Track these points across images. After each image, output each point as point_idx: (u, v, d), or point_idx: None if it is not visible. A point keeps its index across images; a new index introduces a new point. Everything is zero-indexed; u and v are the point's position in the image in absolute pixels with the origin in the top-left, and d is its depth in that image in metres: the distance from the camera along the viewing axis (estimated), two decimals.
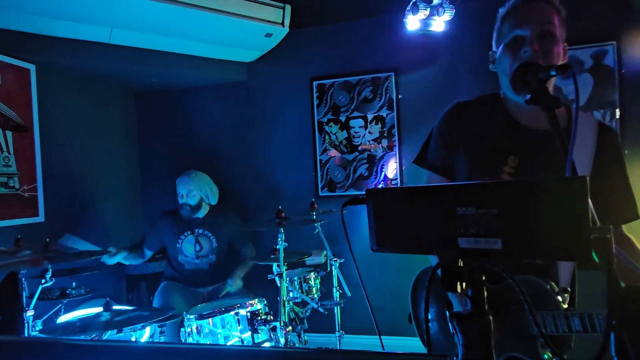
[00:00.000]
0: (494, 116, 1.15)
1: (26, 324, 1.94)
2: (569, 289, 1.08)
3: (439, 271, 0.62)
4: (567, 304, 1.06)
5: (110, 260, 2.72)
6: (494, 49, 1.16)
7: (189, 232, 2.92)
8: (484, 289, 0.62)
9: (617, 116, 2.88)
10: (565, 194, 0.52)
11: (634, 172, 2.84)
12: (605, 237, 0.53)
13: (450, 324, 0.64)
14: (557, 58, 1.04)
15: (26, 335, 1.89)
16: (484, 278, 0.63)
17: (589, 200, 0.56)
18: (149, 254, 2.97)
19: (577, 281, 1.13)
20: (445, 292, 1.09)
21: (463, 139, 1.17)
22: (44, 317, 2.28)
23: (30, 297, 2.02)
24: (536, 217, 0.55)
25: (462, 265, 0.62)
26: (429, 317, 1.23)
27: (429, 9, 2.69)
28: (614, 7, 2.86)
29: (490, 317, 0.62)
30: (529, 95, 0.87)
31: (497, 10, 1.15)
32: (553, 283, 1.01)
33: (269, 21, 2.94)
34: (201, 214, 2.95)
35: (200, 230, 2.93)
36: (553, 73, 0.85)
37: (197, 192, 2.90)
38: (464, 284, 0.63)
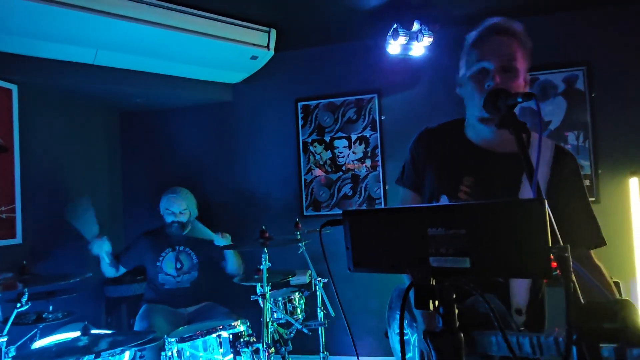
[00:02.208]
0: (455, 140, 1.26)
1: None
2: (522, 309, 1.08)
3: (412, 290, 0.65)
4: (523, 325, 1.06)
5: (97, 247, 2.70)
6: (461, 73, 1.23)
7: (169, 249, 2.89)
8: (455, 306, 0.65)
9: (590, 137, 3.00)
10: (526, 214, 0.56)
11: (606, 190, 2.97)
12: (563, 255, 0.56)
13: (424, 341, 0.66)
14: (517, 91, 1.09)
15: None
16: (454, 296, 0.66)
17: (552, 220, 0.59)
18: (122, 270, 2.93)
19: (547, 301, 1.15)
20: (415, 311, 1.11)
21: (428, 161, 1.29)
22: (18, 343, 2.20)
23: (5, 322, 1.95)
24: (500, 237, 0.58)
25: (433, 283, 0.65)
26: (413, 336, 1.25)
27: (408, 35, 2.80)
28: (584, 34, 3.03)
29: (462, 334, 0.64)
30: (498, 120, 0.92)
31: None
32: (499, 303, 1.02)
33: (254, 44, 3.00)
34: (186, 230, 2.94)
35: (181, 247, 2.91)
36: (519, 100, 0.92)
37: (188, 209, 2.91)
38: (436, 302, 0.65)
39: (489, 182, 1.15)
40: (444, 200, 1.20)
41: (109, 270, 2.86)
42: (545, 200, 0.55)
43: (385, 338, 1.29)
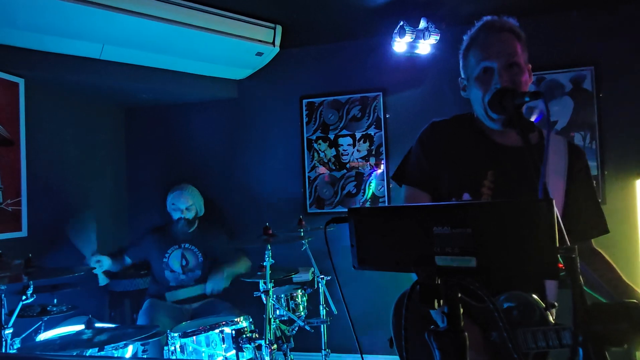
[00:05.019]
0: (469, 134, 1.20)
1: (4, 342, 1.89)
2: (555, 303, 1.11)
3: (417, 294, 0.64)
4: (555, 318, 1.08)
5: (95, 264, 2.67)
6: (462, 76, 1.22)
7: (176, 247, 2.91)
8: (460, 305, 0.64)
9: (597, 138, 2.98)
10: (534, 215, 0.55)
11: (612, 192, 2.94)
12: (570, 256, 0.56)
13: (428, 341, 0.66)
14: (525, 86, 1.10)
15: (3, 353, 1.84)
16: (460, 295, 0.65)
17: (560, 220, 0.59)
18: (128, 261, 2.95)
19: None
20: (424, 313, 1.07)
21: (441, 155, 1.20)
22: (23, 335, 2.22)
23: (10, 314, 1.97)
24: (507, 237, 0.58)
25: (439, 282, 0.64)
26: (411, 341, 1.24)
27: (415, 33, 2.78)
28: (592, 34, 3.00)
29: (466, 334, 0.64)
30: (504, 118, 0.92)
31: None
32: (537, 298, 1.02)
33: (260, 41, 3.00)
34: (192, 228, 2.94)
35: (187, 245, 2.92)
36: (527, 99, 0.90)
37: (195, 206, 2.92)
38: (441, 301, 0.65)
39: (512, 178, 1.11)
40: (466, 199, 1.13)
41: (116, 268, 2.88)
42: (553, 201, 0.55)
43: (390, 348, 1.20)
